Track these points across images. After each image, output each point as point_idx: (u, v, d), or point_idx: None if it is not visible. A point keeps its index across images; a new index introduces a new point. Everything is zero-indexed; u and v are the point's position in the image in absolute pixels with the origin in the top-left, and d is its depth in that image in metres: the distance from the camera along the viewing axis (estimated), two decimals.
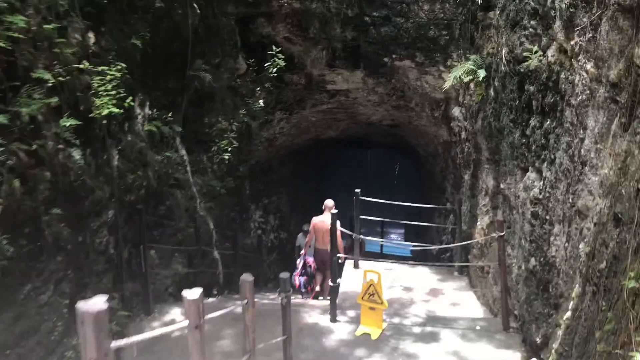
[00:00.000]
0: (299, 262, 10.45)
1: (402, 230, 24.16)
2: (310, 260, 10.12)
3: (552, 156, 4.87)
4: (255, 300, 9.06)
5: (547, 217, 4.92)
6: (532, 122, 5.50)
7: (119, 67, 5.16)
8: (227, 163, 9.00)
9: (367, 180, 21.36)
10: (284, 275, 4.23)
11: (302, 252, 10.49)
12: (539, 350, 4.72)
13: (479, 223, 7.84)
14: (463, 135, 9.66)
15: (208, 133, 9.10)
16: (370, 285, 5.54)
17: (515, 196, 6.18)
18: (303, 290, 10.71)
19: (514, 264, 6.14)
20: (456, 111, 9.97)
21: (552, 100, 4.90)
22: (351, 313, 6.09)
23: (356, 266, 8.86)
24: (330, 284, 5.77)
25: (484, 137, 7.72)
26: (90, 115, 4.92)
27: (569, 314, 3.83)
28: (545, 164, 5.12)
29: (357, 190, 8.47)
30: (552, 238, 4.76)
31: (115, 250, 5.62)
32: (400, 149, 18.04)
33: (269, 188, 13.77)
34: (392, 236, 25.78)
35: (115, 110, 4.87)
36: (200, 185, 8.74)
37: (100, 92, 4.84)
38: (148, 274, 6.03)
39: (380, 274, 5.47)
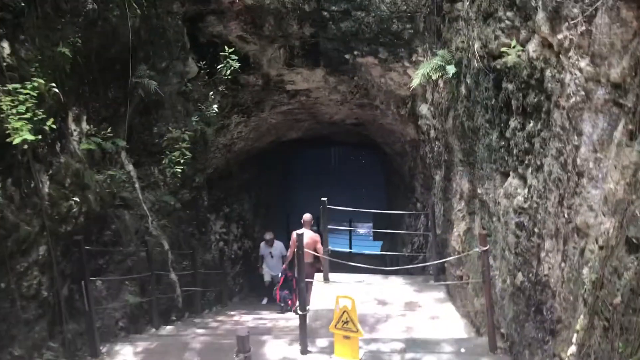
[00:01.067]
0: (280, 276, 11.00)
1: (371, 224, 23.82)
2: (290, 273, 10.39)
3: (539, 162, 4.44)
4: (216, 323, 8.48)
5: (536, 230, 4.49)
6: (512, 124, 5.07)
7: (35, 83, 4.45)
8: (180, 175, 8.33)
9: (332, 180, 20.93)
10: (242, 333, 3.63)
11: (284, 265, 10.80)
12: None
13: (455, 229, 7.43)
14: (432, 134, 9.24)
15: (158, 144, 8.42)
16: (343, 312, 5.03)
17: (495, 202, 5.76)
18: (282, 304, 10.26)
19: (497, 277, 5.72)
20: (424, 109, 9.55)
21: (535, 100, 4.47)
22: (323, 341, 5.57)
23: (326, 279, 8.34)
24: (299, 312, 5.21)
25: (456, 137, 7.30)
26: (8, 140, 4.22)
27: (573, 349, 3.39)
28: (530, 171, 4.69)
29: (324, 199, 7.94)
30: (542, 254, 4.33)
31: (51, 291, 4.94)
32: (366, 147, 17.64)
33: (229, 195, 13.14)
34: (360, 231, 25.48)
35: (30, 137, 4.16)
36: (152, 201, 8.08)
37: (11, 116, 4.13)
38: (93, 311, 5.36)
39: (353, 300, 4.96)
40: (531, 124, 4.62)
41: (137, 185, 7.45)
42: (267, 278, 12.15)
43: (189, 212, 9.58)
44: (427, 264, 7.77)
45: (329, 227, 8.32)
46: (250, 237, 14.64)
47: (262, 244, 12.06)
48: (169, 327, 7.39)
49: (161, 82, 8.21)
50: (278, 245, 12.06)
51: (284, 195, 20.70)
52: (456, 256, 6.96)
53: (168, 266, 7.99)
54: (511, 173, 5.25)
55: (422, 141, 10.31)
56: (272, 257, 11.93)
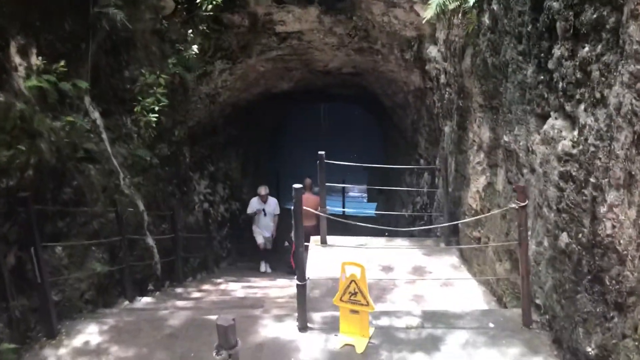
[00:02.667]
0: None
1: (364, 186, 23.04)
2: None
3: (598, 94, 3.59)
4: (200, 294, 7.68)
5: (592, 180, 3.69)
6: (558, 52, 4.19)
7: None
8: (156, 126, 7.43)
9: (326, 138, 20.00)
10: (224, 321, 2.76)
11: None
12: None
13: (472, 185, 6.63)
14: (442, 79, 8.36)
15: (130, 90, 7.48)
16: (351, 282, 4.25)
17: (528, 151, 4.95)
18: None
19: (529, 238, 4.95)
20: (432, 51, 8.64)
21: (594, 16, 3.59)
22: (325, 316, 4.80)
23: (323, 242, 7.58)
24: (297, 282, 4.42)
25: (475, 78, 6.42)
26: None
27: None
28: (582, 107, 3.85)
29: (321, 153, 7.09)
30: (602, 209, 3.54)
31: None
32: (362, 101, 16.69)
33: (215, 153, 12.24)
34: (353, 194, 24.73)
35: None
36: (124, 156, 7.19)
37: None
38: (46, 282, 4.54)
39: (363, 267, 4.17)
40: (586, 49, 3.75)
41: (104, 135, 6.54)
42: (259, 240, 11.50)
43: (169, 170, 8.71)
44: (443, 224, 6.98)
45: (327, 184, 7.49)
46: (237, 199, 13.82)
47: (255, 200, 11.30)
48: (145, 299, 6.61)
49: (132, 18, 7.21)
50: (272, 201, 11.41)
51: (273, 153, 19.82)
52: (476, 217, 6.17)
53: (144, 229, 7.16)
54: (552, 113, 4.41)
55: (429, 89, 9.43)
56: (265, 214, 11.26)
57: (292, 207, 4.26)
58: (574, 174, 4.00)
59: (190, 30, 8.20)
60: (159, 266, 7.53)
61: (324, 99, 18.01)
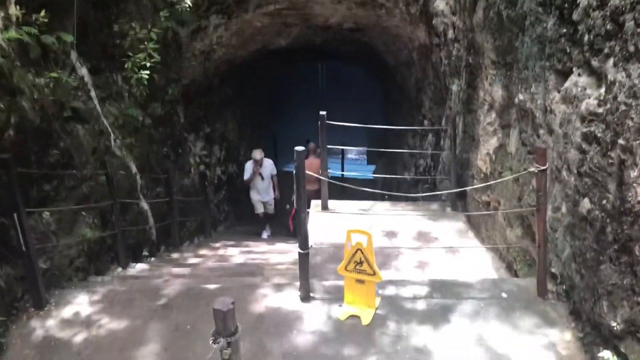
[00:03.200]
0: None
1: (365, 149, 22.70)
2: None
3: (631, 48, 3.29)
4: (197, 259, 7.48)
5: (620, 142, 3.42)
6: (584, 1, 3.86)
7: None
8: (148, 84, 7.08)
9: (325, 99, 19.56)
10: (222, 305, 2.47)
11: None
12: (615, 339, 3.36)
13: (482, 147, 6.36)
14: (450, 34, 7.99)
15: (120, 45, 7.09)
16: (357, 251, 4.02)
17: (546, 110, 4.67)
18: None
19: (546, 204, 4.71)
20: (440, 4, 8.23)
21: None
22: (328, 285, 4.60)
23: (325, 208, 7.34)
24: (300, 250, 4.19)
25: (488, 32, 6.08)
26: None
27: None
28: (611, 62, 3.55)
29: (323, 113, 6.78)
30: (632, 174, 3.28)
31: None
32: (364, 59, 16.22)
33: (210, 113, 11.89)
34: (351, 156, 24.42)
35: None
36: (115, 115, 6.88)
37: None
38: (32, 250, 4.31)
39: (370, 235, 3.94)
40: None
41: (93, 93, 6.22)
42: (259, 209, 11.08)
43: (162, 130, 8.40)
44: (453, 190, 6.73)
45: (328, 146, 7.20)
46: (234, 160, 13.54)
47: (250, 163, 10.78)
48: (139, 265, 6.41)
49: None
50: (268, 164, 10.86)
51: (271, 114, 19.43)
52: (490, 182, 5.92)
53: (137, 193, 6.91)
54: (575, 70, 4.11)
55: (435, 45, 9.04)
56: (262, 179, 10.74)
57: (294, 171, 3.99)
58: (599, 135, 3.73)
59: None
60: (154, 231, 7.31)
61: (323, 57, 17.51)
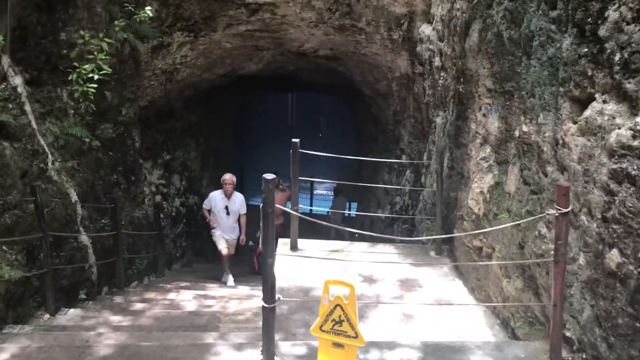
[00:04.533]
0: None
1: (335, 182, 22.08)
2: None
3: None
4: (143, 305, 6.55)
5: None
6: (614, 14, 3.31)
7: None
8: (99, 102, 6.33)
9: (294, 130, 18.97)
10: None
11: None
12: None
13: (475, 185, 5.74)
14: (436, 62, 7.48)
15: (67, 56, 6.34)
16: (336, 307, 3.28)
17: (557, 144, 4.07)
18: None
19: (550, 252, 4.08)
20: (426, 30, 7.76)
21: None
22: (297, 344, 3.83)
23: (294, 247, 6.59)
24: (264, 304, 3.42)
25: (484, 57, 5.54)
26: None
27: None
28: None
29: (295, 140, 6.10)
30: None
31: None
32: (337, 90, 15.73)
33: (171, 140, 11.13)
34: (320, 191, 23.77)
35: None
36: (55, 135, 6.08)
37: None
38: None
39: (353, 287, 3.21)
40: None
41: (28, 107, 5.43)
42: (221, 246, 9.23)
43: (113, 155, 7.59)
44: (455, 234, 6.08)
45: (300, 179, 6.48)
46: (196, 192, 12.70)
47: (217, 194, 9.21)
48: (72, 311, 5.51)
49: None
50: (238, 198, 9.27)
51: (237, 144, 18.69)
52: (480, 224, 5.29)
53: (76, 225, 6.05)
54: (599, 96, 3.53)
55: (418, 75, 8.55)
56: (227, 213, 9.15)
57: (261, 204, 3.26)
58: (633, 173, 3.13)
59: None
60: (95, 269, 6.42)
61: (295, 86, 16.97)
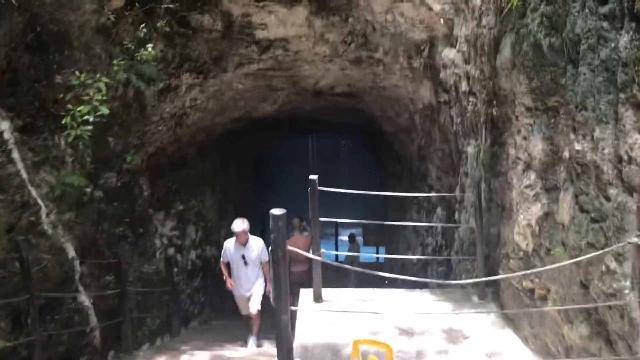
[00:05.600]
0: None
1: (361, 221, 21.41)
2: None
3: None
4: None
5: None
6: None
7: None
8: (100, 148, 5.93)
9: (315, 173, 18.53)
10: None
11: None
12: None
13: (521, 217, 5.10)
14: (463, 87, 6.98)
15: (63, 100, 5.98)
16: None
17: (620, 161, 3.46)
18: None
19: (628, 293, 3.42)
20: (449, 54, 7.30)
21: None
22: None
23: (318, 298, 5.96)
24: None
25: (521, 73, 5.01)
26: None
27: None
28: None
29: (314, 177, 5.57)
30: None
31: None
32: (358, 129, 15.32)
33: (184, 188, 10.71)
34: (345, 238, 23.09)
35: None
36: (50, 185, 5.64)
37: None
38: None
39: (390, 346, 2.59)
40: None
41: (16, 155, 5.02)
42: (242, 308, 8.27)
43: (118, 206, 7.16)
44: (503, 275, 5.40)
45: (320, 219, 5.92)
46: (213, 243, 12.18)
47: (230, 242, 8.17)
48: None
49: (64, 7, 5.82)
50: (256, 243, 8.10)
51: (257, 191, 18.26)
52: (529, 262, 4.65)
53: (74, 284, 5.53)
54: None
55: (443, 104, 8.04)
56: (245, 264, 8.00)
57: (270, 247, 2.71)
58: None
59: (144, 29, 6.76)
60: (97, 333, 5.86)
61: (313, 127, 16.60)
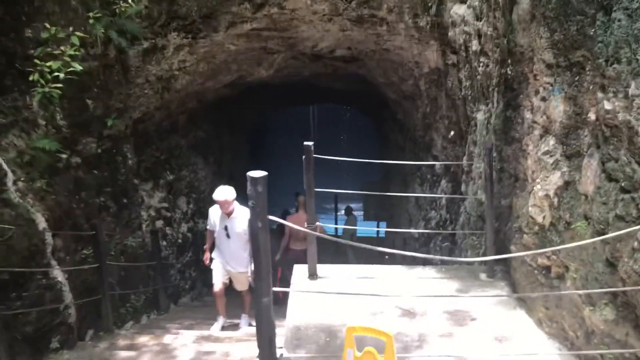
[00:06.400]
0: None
1: (360, 205, 21.08)
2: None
3: None
4: (129, 353, 5.29)
5: None
6: None
7: None
8: (78, 110, 5.48)
9: (315, 146, 18.08)
10: None
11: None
12: None
13: (538, 187, 4.67)
14: (474, 46, 6.50)
15: (33, 57, 5.50)
16: None
17: None
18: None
19: None
20: (459, 10, 6.80)
21: None
22: None
23: (313, 275, 5.58)
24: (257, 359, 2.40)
25: (541, 25, 4.52)
26: None
27: None
28: None
29: (309, 143, 5.13)
30: None
31: None
32: (358, 97, 14.80)
33: (175, 158, 10.28)
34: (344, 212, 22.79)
35: None
36: (20, 149, 5.20)
37: None
38: None
39: (391, 336, 2.19)
40: None
41: None
42: (215, 279, 7.25)
43: (98, 174, 6.72)
44: (518, 254, 4.99)
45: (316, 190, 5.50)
46: (206, 216, 11.70)
47: (214, 210, 7.20)
48: None
49: None
50: (242, 214, 6.93)
51: (253, 162, 17.81)
52: (546, 236, 4.24)
53: (45, 257, 5.12)
54: None
55: (451, 66, 7.56)
56: (228, 236, 6.99)
57: (250, 219, 2.29)
58: None
59: None
60: (73, 311, 5.48)
61: (313, 96, 16.08)
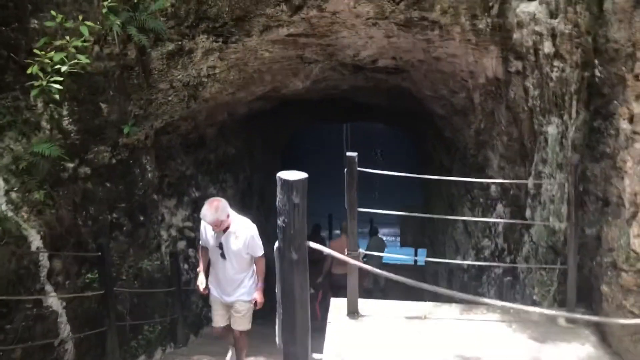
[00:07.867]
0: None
1: (397, 230, 20.11)
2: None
3: None
4: None
5: None
6: None
7: None
8: (87, 115, 4.83)
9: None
10: None
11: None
12: None
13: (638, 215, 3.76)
14: (546, 48, 5.65)
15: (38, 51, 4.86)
16: None
17: None
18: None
19: None
20: (527, 8, 6.00)
21: None
22: None
23: (353, 312, 4.73)
24: None
25: None
26: None
27: None
28: None
29: (352, 154, 4.34)
30: None
31: None
32: (401, 114, 13.99)
33: (202, 174, 9.61)
34: (380, 236, 21.86)
35: None
36: (17, 155, 4.55)
37: None
38: None
39: None
40: None
41: None
42: (216, 321, 5.95)
43: (112, 187, 6.03)
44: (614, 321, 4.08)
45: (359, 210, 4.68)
46: None
47: (203, 227, 5.69)
48: None
49: None
50: (242, 230, 5.56)
51: None
52: None
53: (38, 282, 4.40)
54: None
55: (514, 74, 6.71)
56: (223, 256, 5.52)
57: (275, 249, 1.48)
58: None
59: None
60: (70, 346, 4.74)
61: (350, 113, 15.31)
